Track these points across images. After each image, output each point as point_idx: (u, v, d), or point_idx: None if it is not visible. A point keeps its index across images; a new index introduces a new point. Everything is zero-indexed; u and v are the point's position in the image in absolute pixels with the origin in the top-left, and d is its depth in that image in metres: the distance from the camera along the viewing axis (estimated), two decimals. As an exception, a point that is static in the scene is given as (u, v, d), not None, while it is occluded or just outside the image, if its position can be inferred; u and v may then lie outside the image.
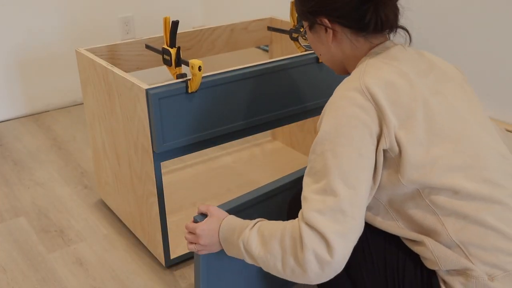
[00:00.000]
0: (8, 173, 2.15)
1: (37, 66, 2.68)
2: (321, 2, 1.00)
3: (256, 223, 1.01)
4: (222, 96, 1.43)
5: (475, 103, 1.04)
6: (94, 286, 1.52)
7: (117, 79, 1.44)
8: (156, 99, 1.32)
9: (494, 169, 0.95)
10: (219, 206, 1.16)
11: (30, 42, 2.62)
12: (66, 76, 2.75)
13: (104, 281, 1.53)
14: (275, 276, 0.98)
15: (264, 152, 2.21)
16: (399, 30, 1.04)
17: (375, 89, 0.92)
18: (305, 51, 1.62)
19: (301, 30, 1.73)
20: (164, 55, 1.43)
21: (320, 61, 1.57)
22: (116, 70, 1.45)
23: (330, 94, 1.01)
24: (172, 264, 1.57)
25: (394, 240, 1.01)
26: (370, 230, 1.02)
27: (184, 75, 1.39)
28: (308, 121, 2.06)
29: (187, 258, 1.59)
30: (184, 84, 1.35)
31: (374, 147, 0.92)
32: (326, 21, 1.01)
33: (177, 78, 1.39)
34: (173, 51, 1.40)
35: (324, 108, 0.97)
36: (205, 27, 1.89)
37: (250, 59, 2.51)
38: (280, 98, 1.54)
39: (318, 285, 1.16)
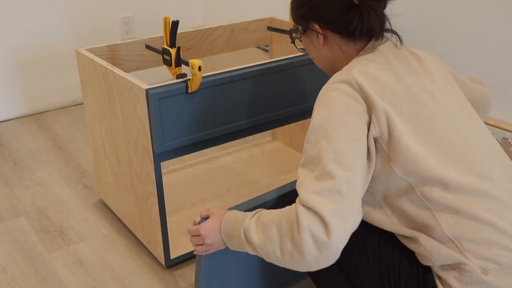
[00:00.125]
0: (8, 173, 2.15)
1: (37, 66, 2.68)
2: (312, 8, 1.05)
3: (256, 213, 1.02)
4: (222, 96, 1.43)
5: (463, 98, 1.08)
6: (94, 286, 1.52)
7: (117, 79, 1.44)
8: (156, 99, 1.32)
9: (484, 162, 0.97)
10: (229, 209, 1.14)
11: (30, 42, 2.62)
12: (66, 76, 2.75)
13: (104, 281, 1.53)
14: (275, 276, 0.98)
15: (264, 152, 2.21)
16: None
17: (362, 81, 0.96)
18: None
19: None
20: (164, 55, 1.43)
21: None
22: (116, 70, 1.45)
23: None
24: (172, 264, 1.57)
25: (389, 238, 1.02)
26: (365, 228, 1.02)
27: (184, 75, 1.39)
28: (308, 121, 2.06)
29: (187, 258, 1.59)
30: (184, 84, 1.35)
31: (365, 134, 0.95)
32: (317, 26, 1.05)
33: (177, 78, 1.39)
34: (173, 51, 1.40)
35: (316, 101, 1.00)
36: (205, 27, 1.89)
37: (250, 59, 2.51)
38: (280, 98, 1.54)
39: (316, 283, 1.16)
